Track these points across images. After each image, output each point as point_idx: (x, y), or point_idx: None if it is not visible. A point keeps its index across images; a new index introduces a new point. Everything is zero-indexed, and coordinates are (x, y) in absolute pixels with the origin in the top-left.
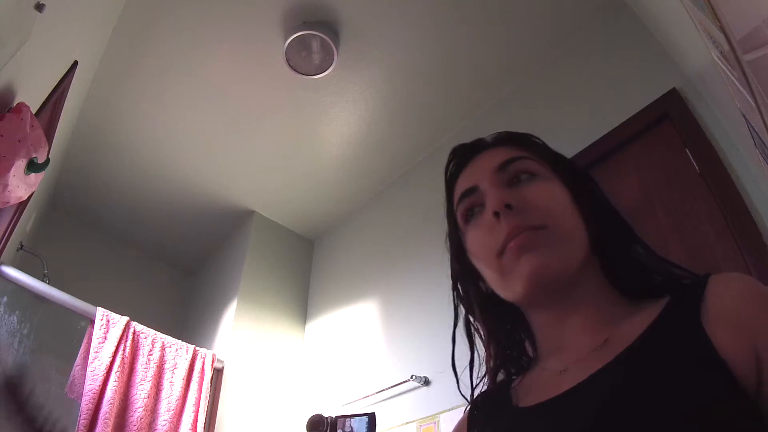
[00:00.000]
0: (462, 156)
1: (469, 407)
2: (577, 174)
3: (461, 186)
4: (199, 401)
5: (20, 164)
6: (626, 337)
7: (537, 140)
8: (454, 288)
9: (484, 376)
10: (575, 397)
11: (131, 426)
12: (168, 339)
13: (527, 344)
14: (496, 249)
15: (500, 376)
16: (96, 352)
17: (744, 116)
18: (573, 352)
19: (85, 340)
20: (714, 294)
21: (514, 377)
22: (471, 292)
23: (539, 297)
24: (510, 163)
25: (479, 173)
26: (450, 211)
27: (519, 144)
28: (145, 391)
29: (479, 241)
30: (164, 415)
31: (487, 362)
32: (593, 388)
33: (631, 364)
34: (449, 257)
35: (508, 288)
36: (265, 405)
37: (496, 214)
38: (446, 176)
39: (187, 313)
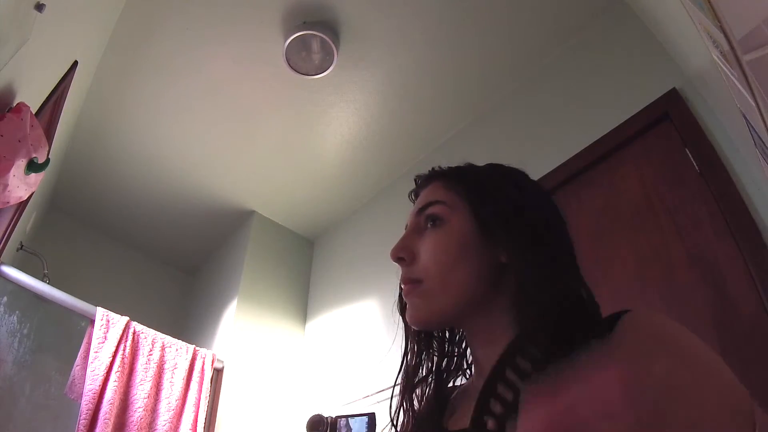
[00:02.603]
0: (416, 188)
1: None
2: (499, 209)
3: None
4: (199, 401)
5: (20, 164)
6: None
7: (472, 173)
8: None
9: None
10: None
11: (131, 426)
12: (168, 339)
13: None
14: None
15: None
16: (96, 352)
17: (744, 116)
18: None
19: (85, 340)
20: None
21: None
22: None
23: (434, 327)
24: (425, 209)
25: (410, 213)
26: None
27: (446, 180)
28: (145, 391)
29: None
30: (164, 415)
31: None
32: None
33: None
34: None
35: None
36: (265, 405)
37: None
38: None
39: (187, 313)
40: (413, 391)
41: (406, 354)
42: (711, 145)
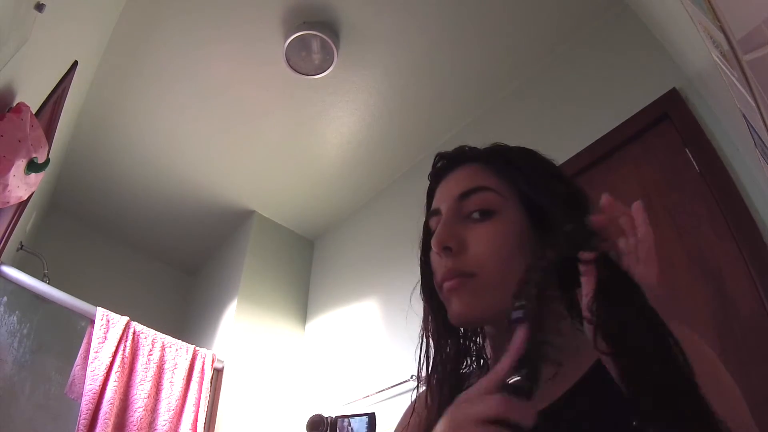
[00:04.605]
0: (441, 168)
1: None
2: (550, 199)
3: (434, 201)
4: (199, 401)
5: (20, 164)
6: (569, 376)
7: (519, 160)
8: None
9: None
10: None
11: (131, 426)
12: (168, 339)
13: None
14: (438, 280)
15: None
16: (96, 352)
17: (744, 116)
18: None
19: (85, 340)
20: None
21: (473, 369)
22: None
23: (478, 324)
24: (470, 195)
25: (445, 196)
26: (425, 221)
27: (493, 164)
28: (145, 391)
29: (433, 263)
30: (164, 415)
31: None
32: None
33: (568, 408)
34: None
35: (448, 313)
36: (265, 405)
37: (438, 252)
38: (429, 184)
39: (187, 313)
40: (447, 382)
41: (442, 347)
42: (711, 145)
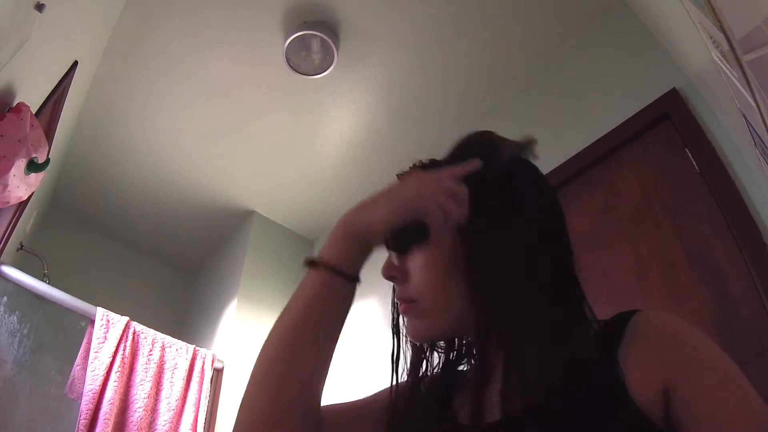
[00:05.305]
0: None
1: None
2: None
3: None
4: (199, 401)
5: (20, 164)
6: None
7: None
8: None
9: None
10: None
11: (131, 426)
12: (168, 339)
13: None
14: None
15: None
16: (96, 352)
17: (744, 116)
18: None
19: (85, 340)
20: (632, 332)
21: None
22: None
23: (436, 341)
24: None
25: None
26: None
27: None
28: (145, 391)
29: None
30: (164, 415)
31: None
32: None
33: (550, 404)
34: None
35: None
36: None
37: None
38: None
39: (187, 313)
40: (420, 381)
41: (420, 355)
42: (711, 145)
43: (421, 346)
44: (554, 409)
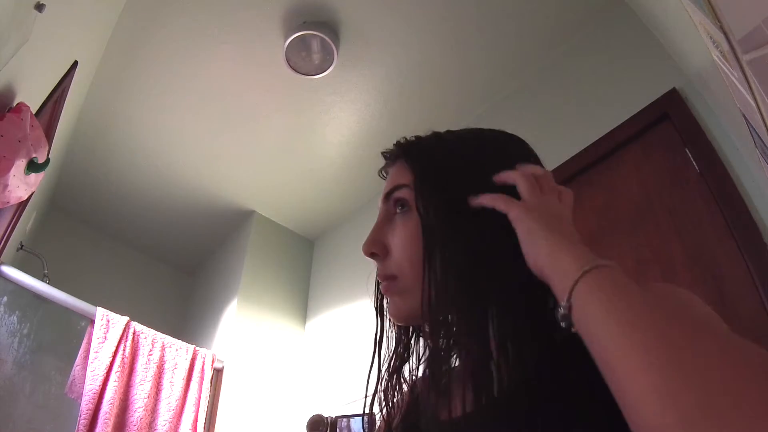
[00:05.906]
0: (385, 166)
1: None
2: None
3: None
4: (199, 401)
5: (20, 164)
6: None
7: (429, 147)
8: None
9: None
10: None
11: (131, 426)
12: (168, 339)
13: None
14: None
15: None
16: (96, 352)
17: (744, 116)
18: None
19: (85, 340)
20: None
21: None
22: None
23: (417, 323)
24: (391, 194)
25: (381, 197)
26: None
27: (411, 160)
28: (145, 391)
29: None
30: (164, 415)
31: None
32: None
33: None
34: None
35: None
36: (265, 405)
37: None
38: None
39: (187, 313)
40: (400, 374)
41: (398, 341)
42: (711, 145)
43: (406, 330)
44: (528, 398)
